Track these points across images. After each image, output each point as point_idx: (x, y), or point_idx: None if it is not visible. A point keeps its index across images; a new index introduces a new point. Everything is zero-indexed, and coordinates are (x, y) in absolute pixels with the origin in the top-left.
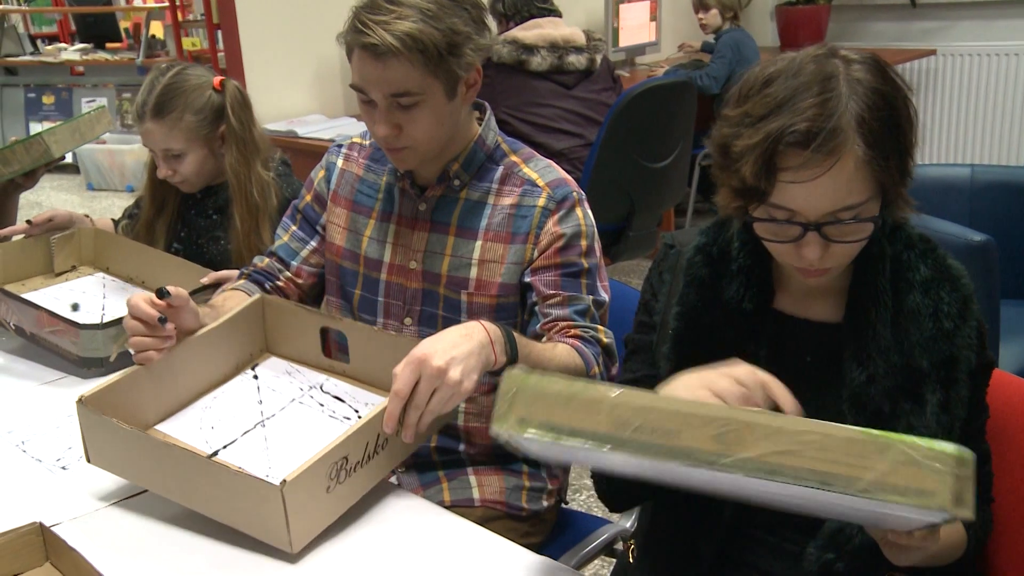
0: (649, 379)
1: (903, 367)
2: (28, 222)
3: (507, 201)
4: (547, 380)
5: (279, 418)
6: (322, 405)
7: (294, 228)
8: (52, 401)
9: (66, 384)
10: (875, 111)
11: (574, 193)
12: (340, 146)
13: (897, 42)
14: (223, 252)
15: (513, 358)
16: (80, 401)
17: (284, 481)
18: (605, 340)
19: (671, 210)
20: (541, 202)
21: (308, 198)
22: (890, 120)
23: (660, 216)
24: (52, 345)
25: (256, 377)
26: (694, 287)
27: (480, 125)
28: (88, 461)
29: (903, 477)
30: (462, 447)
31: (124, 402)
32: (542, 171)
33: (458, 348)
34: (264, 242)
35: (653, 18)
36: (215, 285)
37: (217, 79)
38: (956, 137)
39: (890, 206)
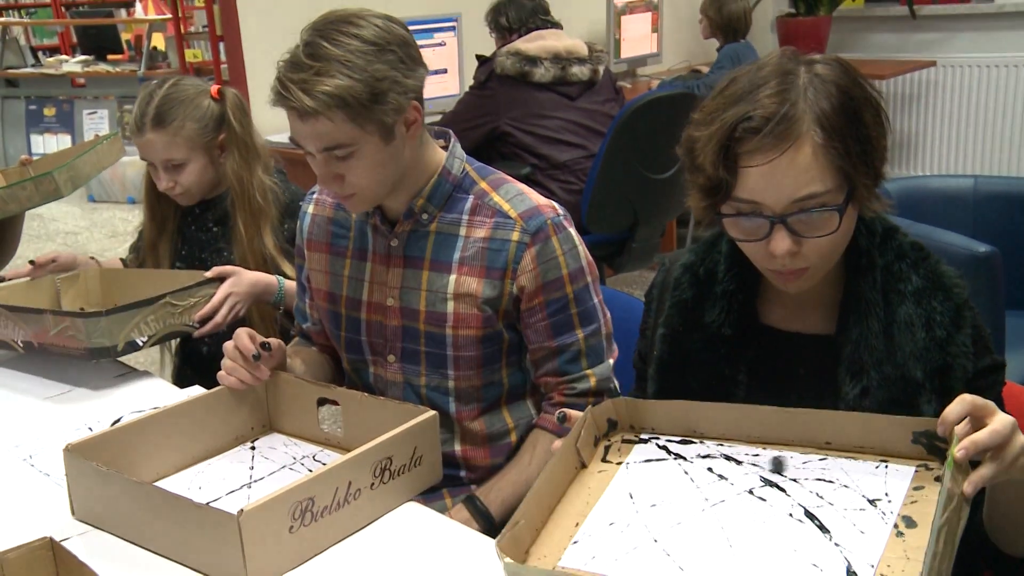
0: None
1: (897, 379)
2: (31, 263)
3: (480, 233)
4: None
5: (267, 481)
6: (311, 471)
7: (299, 290)
8: (59, 415)
9: (73, 398)
10: (832, 100)
11: (548, 222)
12: (313, 192)
13: (897, 53)
14: (227, 264)
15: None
16: (67, 449)
17: (241, 511)
18: (594, 384)
19: (673, 221)
20: (515, 236)
21: (298, 260)
22: (848, 110)
23: (663, 227)
24: (60, 348)
25: (253, 448)
26: (678, 309)
27: (445, 153)
28: (72, 515)
29: None
30: (463, 473)
31: (113, 460)
32: (513, 200)
33: None
34: (267, 247)
35: (655, 30)
36: (220, 279)
37: (215, 88)
38: (958, 148)
39: (858, 200)
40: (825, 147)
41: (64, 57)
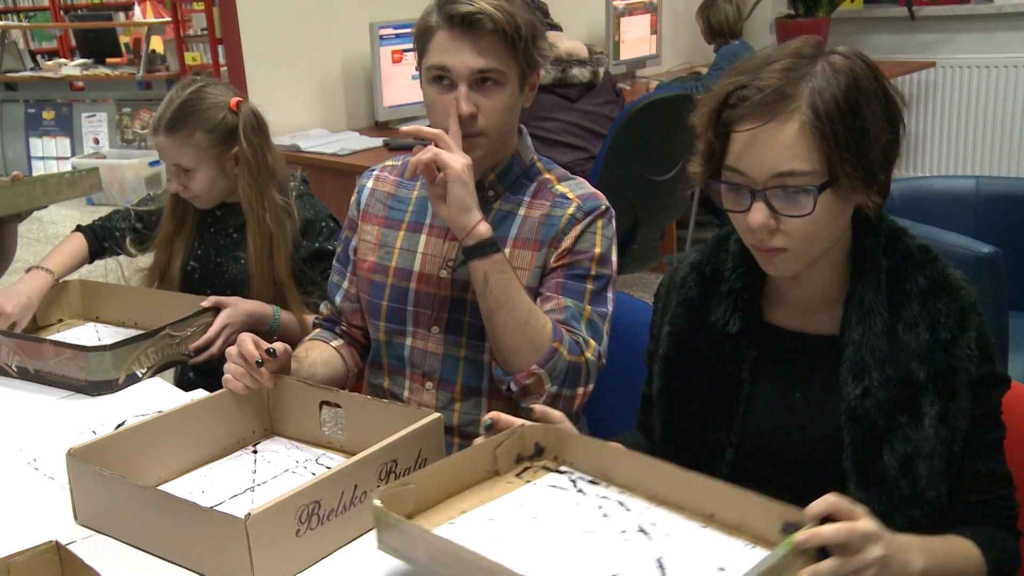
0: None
1: (899, 379)
2: None
3: (537, 213)
4: None
5: (270, 485)
6: (314, 474)
7: (337, 265)
8: (63, 418)
9: (76, 401)
10: (837, 88)
11: (603, 206)
12: (373, 170)
13: (896, 54)
14: (243, 271)
15: None
16: (70, 453)
17: (249, 514)
18: (588, 355)
19: (673, 223)
20: (570, 211)
21: (347, 232)
22: (850, 100)
23: (663, 229)
24: (58, 377)
25: (255, 451)
26: (684, 308)
27: (518, 139)
28: (75, 520)
29: None
30: None
31: (116, 464)
32: (574, 186)
33: None
34: (278, 269)
35: (654, 31)
36: (215, 309)
37: (235, 100)
38: (959, 149)
39: (841, 191)
40: (813, 128)
41: (63, 60)
